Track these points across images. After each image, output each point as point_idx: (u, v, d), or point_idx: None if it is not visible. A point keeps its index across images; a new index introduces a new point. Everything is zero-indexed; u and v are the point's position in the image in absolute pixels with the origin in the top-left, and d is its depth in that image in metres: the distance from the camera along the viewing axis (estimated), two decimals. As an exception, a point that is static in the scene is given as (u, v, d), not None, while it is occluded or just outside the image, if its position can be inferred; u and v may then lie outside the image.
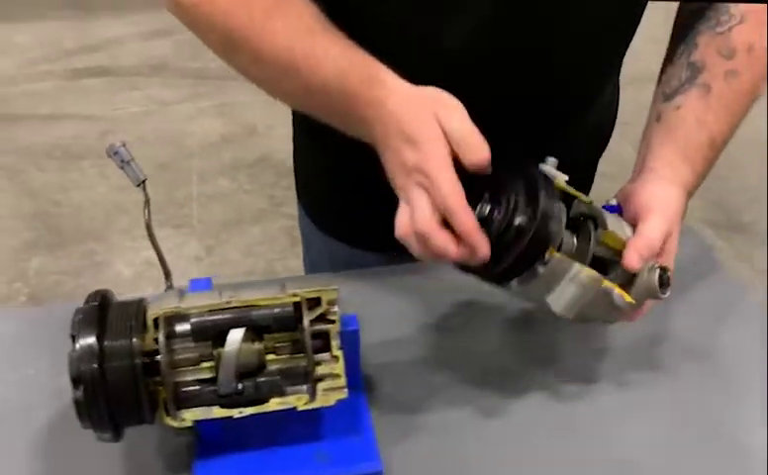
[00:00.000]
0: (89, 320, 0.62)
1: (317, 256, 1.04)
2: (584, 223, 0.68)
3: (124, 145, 0.74)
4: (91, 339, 0.61)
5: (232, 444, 0.67)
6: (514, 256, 0.63)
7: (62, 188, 2.51)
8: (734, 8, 0.75)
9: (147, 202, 0.72)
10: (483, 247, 0.62)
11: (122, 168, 0.74)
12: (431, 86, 0.67)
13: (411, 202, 0.65)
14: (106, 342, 0.61)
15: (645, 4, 0.81)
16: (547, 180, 0.65)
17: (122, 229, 2.27)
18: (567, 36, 0.77)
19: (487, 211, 0.65)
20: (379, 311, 0.83)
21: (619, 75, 0.93)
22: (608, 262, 0.69)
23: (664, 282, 0.67)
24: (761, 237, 2.25)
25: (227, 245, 2.26)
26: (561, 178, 0.67)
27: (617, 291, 0.67)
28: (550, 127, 0.86)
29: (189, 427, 0.64)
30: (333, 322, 0.65)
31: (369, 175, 0.82)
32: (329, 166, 0.95)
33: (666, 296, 0.68)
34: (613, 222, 0.68)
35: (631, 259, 0.67)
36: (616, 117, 0.98)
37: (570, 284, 0.65)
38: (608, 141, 0.98)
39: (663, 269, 0.67)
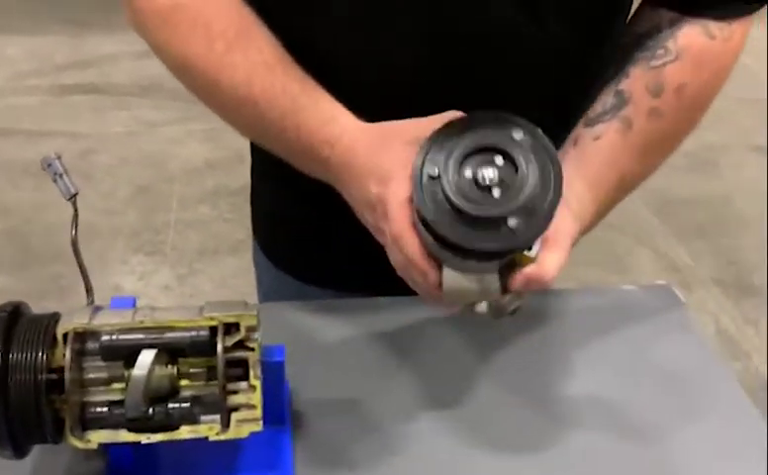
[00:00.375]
0: (-3, 330, 0.59)
1: (269, 291, 1.02)
2: None
3: (59, 158, 0.72)
4: (-5, 351, 0.58)
5: (142, 472, 0.64)
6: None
7: (36, 207, 2.48)
8: (671, 43, 0.73)
9: (76, 216, 0.70)
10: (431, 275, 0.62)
11: (54, 181, 0.72)
12: (384, 122, 0.69)
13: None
14: (11, 355, 0.59)
15: (607, 36, 0.80)
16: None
17: (92, 252, 2.24)
18: (515, 66, 0.76)
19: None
20: (323, 345, 0.81)
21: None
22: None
23: (506, 313, 0.67)
24: None
25: (200, 276, 2.23)
26: None
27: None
28: None
29: (100, 451, 0.61)
30: (251, 349, 0.62)
31: (320, 214, 0.81)
32: (281, 202, 0.94)
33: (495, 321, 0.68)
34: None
35: (519, 283, 0.62)
36: None
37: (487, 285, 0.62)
38: None
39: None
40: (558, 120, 0.77)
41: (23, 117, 2.95)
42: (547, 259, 0.63)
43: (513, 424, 0.73)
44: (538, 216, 0.59)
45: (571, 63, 0.79)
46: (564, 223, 0.67)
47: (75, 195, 0.71)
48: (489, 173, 0.59)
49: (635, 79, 0.73)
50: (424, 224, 0.60)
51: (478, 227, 0.58)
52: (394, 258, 0.66)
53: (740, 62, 2.57)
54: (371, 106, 0.71)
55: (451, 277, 0.62)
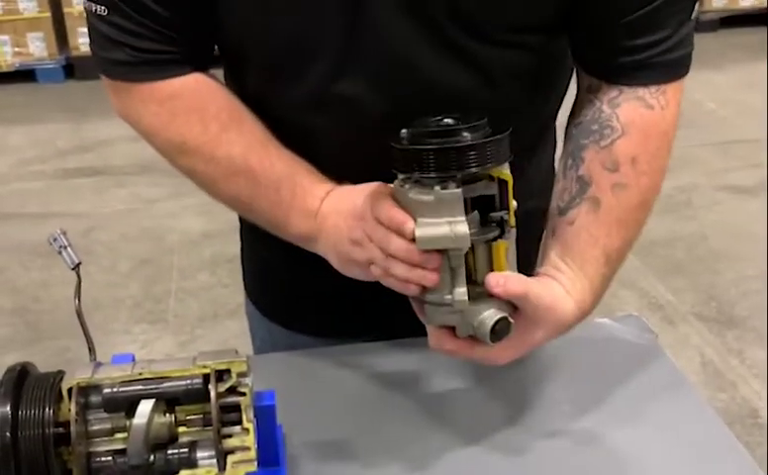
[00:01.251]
0: (6, 389, 0.64)
1: (262, 342, 1.07)
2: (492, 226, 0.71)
3: (64, 234, 0.79)
4: (6, 408, 0.63)
5: (145, 518, 0.68)
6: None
7: (44, 285, 2.55)
8: (615, 121, 0.77)
9: (79, 284, 0.76)
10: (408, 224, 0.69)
11: (59, 253, 0.78)
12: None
13: (365, 256, 0.73)
14: (20, 411, 0.63)
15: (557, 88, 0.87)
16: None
17: (96, 324, 2.29)
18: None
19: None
20: (315, 391, 0.85)
21: (550, 160, 0.96)
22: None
23: (497, 331, 0.70)
24: (755, 333, 2.26)
25: (201, 340, 2.28)
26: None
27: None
28: None
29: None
30: (243, 394, 0.67)
31: (306, 267, 0.87)
32: (268, 257, 1.00)
33: (491, 345, 0.70)
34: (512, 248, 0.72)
35: (490, 280, 0.70)
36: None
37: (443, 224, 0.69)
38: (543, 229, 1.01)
39: (504, 320, 0.70)
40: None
41: (28, 201, 3.04)
42: (537, 287, 0.72)
43: (501, 457, 0.77)
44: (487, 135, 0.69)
45: (520, 117, 0.84)
46: (551, 291, 0.74)
47: (78, 264, 0.77)
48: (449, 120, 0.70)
49: (591, 161, 0.78)
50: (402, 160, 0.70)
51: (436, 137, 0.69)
52: (373, 250, 0.71)
53: (706, 108, 2.72)
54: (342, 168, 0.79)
55: (424, 224, 0.69)
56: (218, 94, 0.81)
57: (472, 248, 0.71)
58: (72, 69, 4.06)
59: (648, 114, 0.78)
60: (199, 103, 0.80)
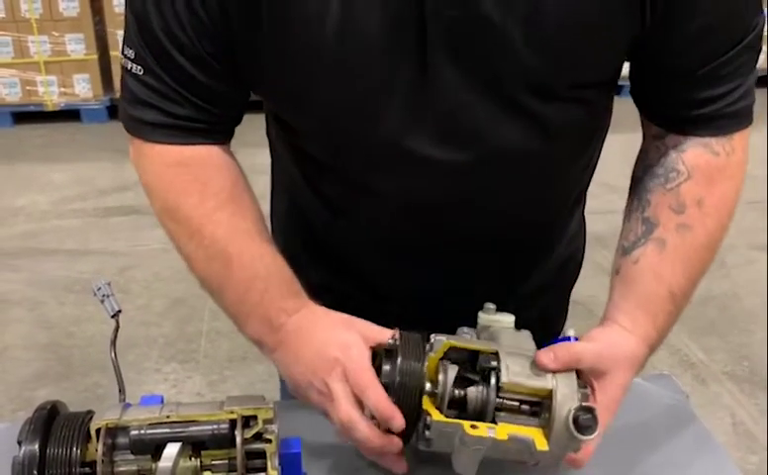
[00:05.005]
0: (36, 428, 0.65)
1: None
2: (488, 376, 0.70)
3: (108, 284, 0.81)
4: (34, 447, 0.64)
5: None
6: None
7: (77, 320, 2.58)
8: (681, 165, 0.79)
9: (117, 329, 0.78)
10: (396, 418, 0.68)
11: (101, 302, 0.80)
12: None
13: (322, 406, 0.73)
14: (48, 450, 0.64)
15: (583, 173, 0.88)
16: (413, 343, 0.70)
17: (128, 362, 2.31)
18: (507, 215, 0.84)
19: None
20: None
21: (583, 209, 0.98)
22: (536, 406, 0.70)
23: (582, 424, 0.67)
24: None
25: (230, 382, 2.28)
26: (507, 320, 0.73)
27: (525, 436, 0.68)
28: (520, 267, 0.91)
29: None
30: (269, 441, 0.67)
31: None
32: None
33: (588, 439, 0.67)
34: (520, 370, 0.70)
35: (541, 358, 0.70)
36: (584, 246, 1.01)
37: (461, 444, 0.68)
38: (579, 269, 1.01)
39: (584, 409, 0.68)
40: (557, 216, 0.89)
41: (66, 238, 3.10)
42: (580, 348, 0.73)
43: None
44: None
45: (572, 166, 0.86)
46: (607, 342, 0.75)
47: (119, 312, 0.79)
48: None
49: (657, 204, 0.79)
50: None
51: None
52: (344, 412, 0.71)
53: None
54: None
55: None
56: (225, 172, 0.81)
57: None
58: (116, 110, 4.15)
59: (714, 160, 0.78)
60: (204, 176, 0.80)
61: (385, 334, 0.74)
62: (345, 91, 0.74)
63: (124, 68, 0.77)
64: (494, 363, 0.70)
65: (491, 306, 0.75)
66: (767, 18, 0.77)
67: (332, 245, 0.91)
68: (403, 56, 0.72)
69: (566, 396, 0.69)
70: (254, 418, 0.66)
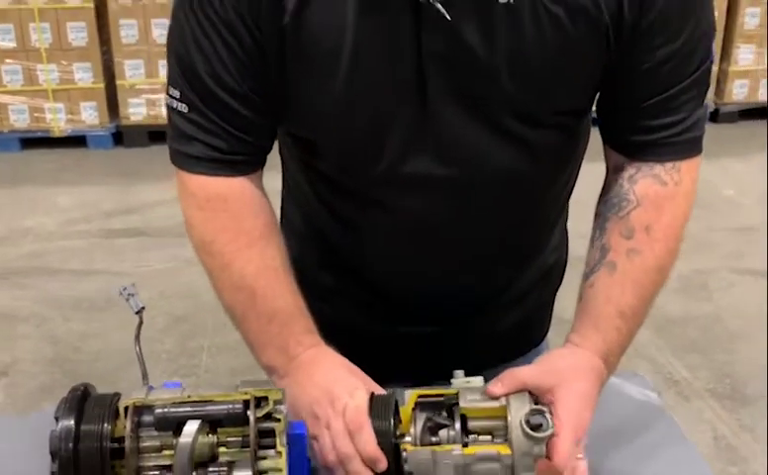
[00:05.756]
0: (71, 405, 0.73)
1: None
2: (453, 413, 0.80)
3: (133, 285, 0.90)
4: (70, 422, 0.72)
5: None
6: None
7: (83, 336, 2.65)
8: (632, 195, 0.88)
9: (140, 324, 0.87)
10: (382, 462, 0.78)
11: (127, 300, 0.89)
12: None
13: (330, 427, 0.81)
14: (82, 426, 0.72)
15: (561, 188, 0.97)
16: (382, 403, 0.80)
17: (133, 377, 2.38)
18: (496, 227, 0.93)
19: None
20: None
21: (566, 221, 1.07)
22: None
23: (533, 422, 0.76)
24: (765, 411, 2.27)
25: (232, 397, 2.35)
26: (476, 382, 0.82)
27: (491, 450, 0.77)
28: (507, 272, 1.01)
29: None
30: (278, 420, 0.75)
31: (335, 312, 0.96)
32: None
33: (544, 435, 0.76)
34: (477, 398, 0.80)
35: (490, 387, 0.80)
36: (566, 256, 1.10)
37: (435, 464, 0.77)
38: (561, 279, 1.10)
39: (534, 411, 0.77)
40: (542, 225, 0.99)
41: (72, 258, 3.18)
42: (522, 372, 0.81)
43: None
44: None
45: (555, 185, 0.96)
46: (552, 357, 0.85)
47: (142, 309, 0.87)
48: None
49: (611, 231, 0.89)
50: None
51: None
52: (342, 444, 0.79)
53: (725, 195, 2.82)
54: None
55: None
56: (259, 208, 0.90)
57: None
58: (121, 137, 4.25)
59: (662, 189, 0.87)
60: (239, 212, 0.89)
61: (378, 389, 0.84)
62: (355, 120, 0.84)
63: (169, 107, 0.86)
64: (455, 400, 0.80)
65: (460, 372, 0.84)
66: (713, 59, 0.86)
67: (342, 254, 1.00)
68: (404, 90, 0.82)
69: (518, 408, 0.78)
70: (266, 399, 0.75)
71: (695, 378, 2.45)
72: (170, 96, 0.86)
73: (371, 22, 0.79)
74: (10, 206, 3.63)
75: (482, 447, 0.78)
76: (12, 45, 4.07)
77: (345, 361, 0.87)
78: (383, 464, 0.78)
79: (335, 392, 0.82)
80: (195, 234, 0.91)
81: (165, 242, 3.22)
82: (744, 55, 4.37)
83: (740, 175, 3.80)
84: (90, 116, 4.24)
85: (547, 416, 0.78)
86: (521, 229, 0.96)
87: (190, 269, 3.00)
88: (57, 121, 4.22)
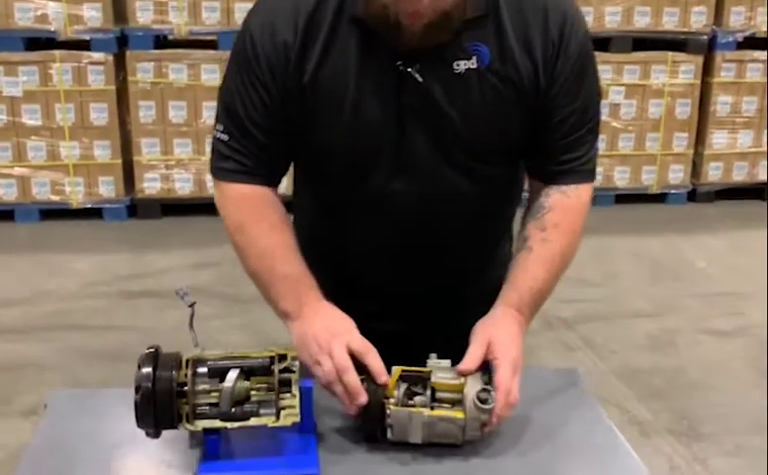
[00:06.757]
0: (149, 357, 1.04)
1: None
2: (427, 385, 1.11)
3: (187, 286, 1.20)
4: (148, 369, 1.02)
5: (224, 453, 1.05)
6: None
7: (103, 383, 2.92)
8: (546, 204, 1.24)
9: (192, 314, 1.16)
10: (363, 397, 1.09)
11: (182, 298, 1.19)
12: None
13: (330, 351, 1.11)
14: (157, 372, 1.03)
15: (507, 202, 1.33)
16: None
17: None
18: (455, 236, 1.28)
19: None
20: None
21: (510, 244, 1.41)
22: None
23: (481, 398, 1.07)
24: (718, 446, 2.56)
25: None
26: (445, 364, 1.13)
27: (450, 415, 1.08)
28: (462, 283, 1.35)
29: (200, 440, 1.03)
30: (294, 372, 1.05)
31: (336, 283, 1.29)
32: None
33: (489, 407, 1.07)
34: (445, 375, 1.10)
35: (459, 366, 1.11)
36: None
37: (409, 421, 1.08)
38: None
39: (483, 390, 1.08)
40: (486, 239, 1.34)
41: (93, 316, 3.46)
42: (472, 347, 1.14)
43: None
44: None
45: (500, 208, 1.33)
46: (483, 322, 1.19)
47: (194, 303, 1.17)
48: None
49: (530, 227, 1.25)
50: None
51: None
52: (339, 359, 1.09)
53: (697, 266, 3.27)
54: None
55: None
56: (274, 206, 1.26)
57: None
58: (135, 209, 4.56)
59: (567, 201, 1.24)
60: (261, 206, 1.25)
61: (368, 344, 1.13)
62: (354, 150, 1.20)
63: (214, 138, 1.22)
64: (428, 376, 1.11)
65: (434, 355, 1.15)
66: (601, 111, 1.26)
67: (330, 255, 1.32)
68: (389, 130, 1.18)
69: (472, 385, 1.10)
70: (285, 356, 1.06)
71: (656, 419, 2.73)
72: (216, 129, 1.22)
73: (366, 81, 1.14)
74: (31, 271, 3.89)
75: (444, 412, 1.09)
76: (38, 123, 4.41)
77: (342, 312, 1.18)
78: (363, 399, 1.07)
79: (337, 329, 1.13)
80: (230, 221, 1.25)
81: (179, 303, 3.50)
82: (718, 140, 4.76)
83: (712, 250, 4.15)
84: (107, 190, 4.53)
85: (492, 393, 1.08)
86: (472, 239, 1.30)
87: (203, 326, 3.28)
88: (76, 194, 4.51)
